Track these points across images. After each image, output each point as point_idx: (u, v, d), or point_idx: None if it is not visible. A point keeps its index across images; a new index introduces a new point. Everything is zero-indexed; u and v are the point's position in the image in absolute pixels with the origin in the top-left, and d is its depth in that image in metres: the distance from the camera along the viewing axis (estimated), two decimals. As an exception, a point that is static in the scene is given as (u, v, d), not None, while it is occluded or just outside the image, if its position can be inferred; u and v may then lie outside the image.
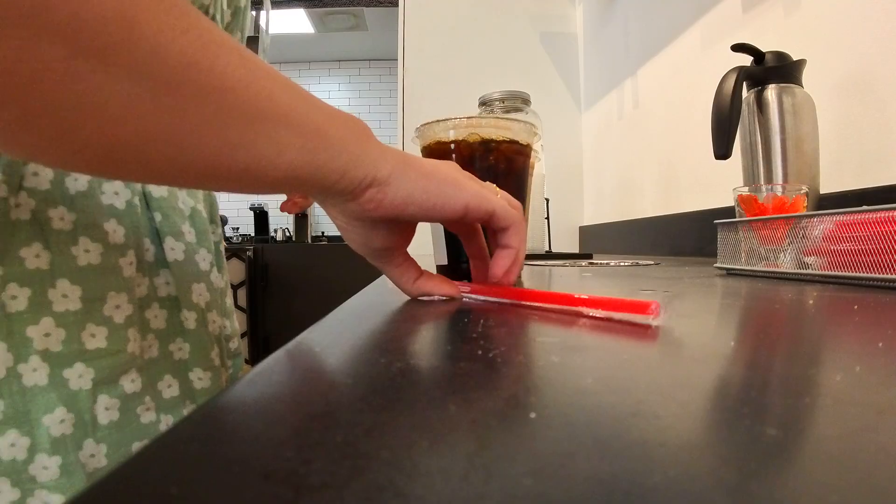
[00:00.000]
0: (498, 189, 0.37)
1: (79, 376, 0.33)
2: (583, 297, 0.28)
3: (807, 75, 0.78)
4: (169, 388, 0.40)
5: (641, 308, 0.24)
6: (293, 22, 3.60)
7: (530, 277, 0.56)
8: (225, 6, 0.48)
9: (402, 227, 0.34)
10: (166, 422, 0.39)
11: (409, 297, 0.36)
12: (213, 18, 0.46)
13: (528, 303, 0.32)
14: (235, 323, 0.53)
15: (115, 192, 0.37)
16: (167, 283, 0.40)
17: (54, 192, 0.34)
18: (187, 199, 0.44)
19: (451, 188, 0.32)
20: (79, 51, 0.18)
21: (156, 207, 0.40)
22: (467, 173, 0.35)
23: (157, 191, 0.41)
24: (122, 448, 0.36)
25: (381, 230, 0.33)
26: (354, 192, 0.29)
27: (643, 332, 0.23)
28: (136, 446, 0.37)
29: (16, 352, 0.31)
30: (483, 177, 0.44)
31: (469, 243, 0.38)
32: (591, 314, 0.27)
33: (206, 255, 0.45)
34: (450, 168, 0.34)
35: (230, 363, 0.50)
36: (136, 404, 0.37)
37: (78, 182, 0.35)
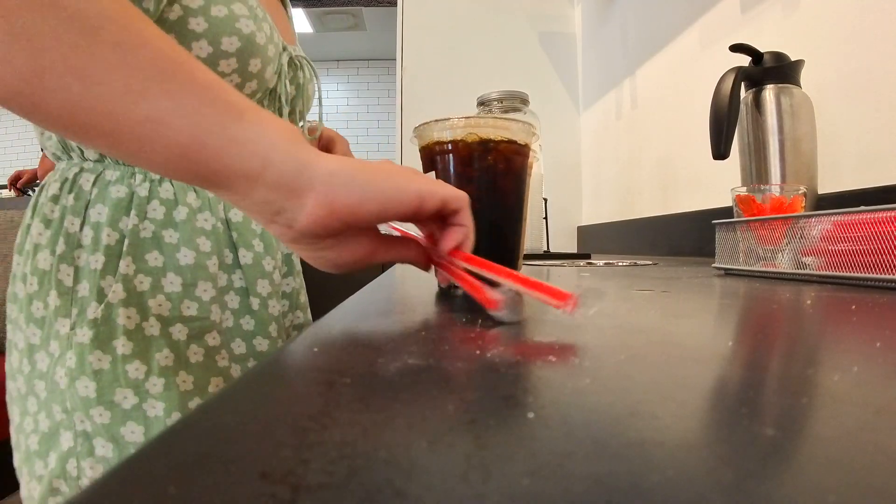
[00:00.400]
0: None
1: (178, 332, 0.52)
2: (513, 272, 0.29)
3: (805, 76, 0.78)
4: (239, 347, 0.57)
5: (559, 296, 0.25)
6: (292, 21, 3.59)
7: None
8: (288, 84, 0.61)
9: (361, 237, 0.34)
10: (235, 370, 0.56)
11: (407, 297, 0.36)
12: (277, 92, 0.61)
13: (461, 262, 0.33)
14: (309, 315, 0.74)
15: (206, 220, 0.55)
16: (240, 279, 0.58)
17: (166, 220, 0.53)
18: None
19: (401, 180, 0.32)
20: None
21: (234, 228, 0.58)
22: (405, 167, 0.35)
23: (236, 217, 0.58)
24: (205, 380, 0.52)
25: (343, 246, 0.32)
26: (271, 190, 0.28)
27: (643, 331, 0.23)
28: (215, 381, 0.53)
29: (142, 314, 0.50)
30: (482, 176, 0.44)
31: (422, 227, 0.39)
32: (510, 286, 0.27)
33: (270, 260, 0.61)
34: (390, 164, 0.33)
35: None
36: (216, 354, 0.54)
37: (179, 213, 0.53)
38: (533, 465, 0.10)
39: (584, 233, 1.95)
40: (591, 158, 1.93)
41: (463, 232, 0.35)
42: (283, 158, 0.27)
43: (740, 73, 0.75)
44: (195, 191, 0.55)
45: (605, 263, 0.84)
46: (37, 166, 2.10)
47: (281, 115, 0.63)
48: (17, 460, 0.52)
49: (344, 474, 0.09)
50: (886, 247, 0.38)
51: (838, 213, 0.44)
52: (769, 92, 0.76)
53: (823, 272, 0.45)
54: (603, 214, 1.81)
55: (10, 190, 2.33)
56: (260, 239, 0.60)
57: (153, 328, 0.50)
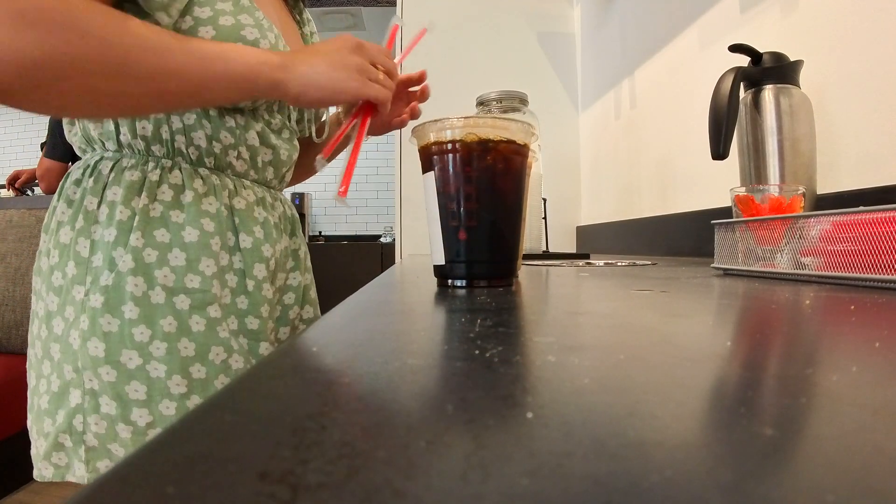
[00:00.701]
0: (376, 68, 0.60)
1: (181, 302, 0.56)
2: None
3: (804, 76, 0.78)
4: (232, 324, 0.61)
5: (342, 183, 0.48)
6: (291, 21, 3.59)
7: (526, 277, 0.56)
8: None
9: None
10: (234, 343, 0.60)
11: (406, 297, 0.36)
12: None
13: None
14: (318, 310, 0.78)
15: (210, 204, 0.59)
16: (239, 261, 0.62)
17: (173, 202, 0.57)
18: (262, 212, 0.66)
19: (343, 80, 0.56)
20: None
21: (236, 214, 0.62)
22: (351, 48, 0.57)
23: (238, 204, 0.63)
24: (205, 348, 0.57)
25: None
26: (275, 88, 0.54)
27: (642, 331, 0.23)
28: (216, 350, 0.58)
29: (149, 283, 0.54)
30: (481, 176, 0.44)
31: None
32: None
33: (269, 248, 0.66)
34: (339, 54, 0.57)
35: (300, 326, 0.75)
36: (216, 325, 0.58)
37: (186, 196, 0.58)
38: (532, 465, 0.10)
39: (583, 233, 1.95)
40: (591, 158, 1.93)
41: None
42: (268, 75, 0.53)
43: (739, 74, 0.75)
44: (201, 178, 0.60)
45: (605, 263, 0.84)
46: (35, 166, 2.10)
47: (289, 119, 0.71)
48: (30, 420, 0.58)
49: (343, 474, 0.09)
50: (885, 247, 0.38)
51: (837, 214, 0.44)
52: (768, 92, 0.76)
53: (822, 272, 0.45)
54: (602, 214, 1.81)
55: (8, 189, 2.33)
56: (261, 227, 0.65)
57: (158, 297, 0.55)
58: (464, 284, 0.45)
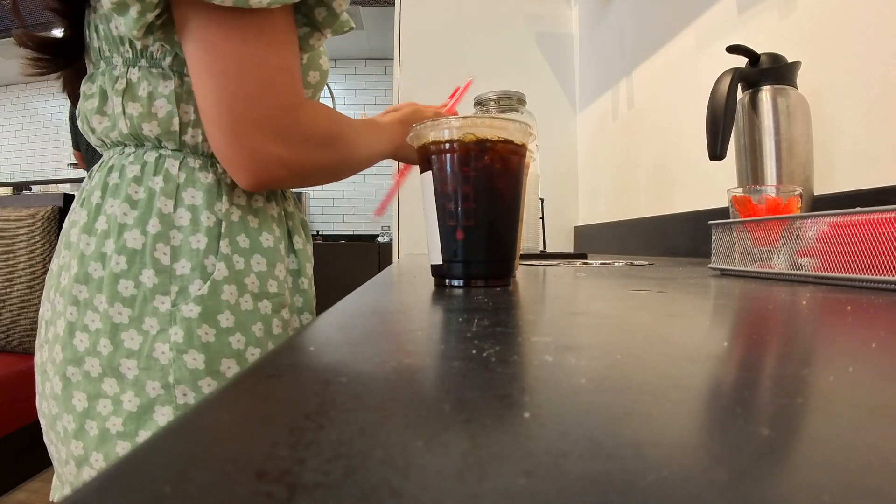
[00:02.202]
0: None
1: (265, 306, 0.57)
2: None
3: (801, 77, 0.78)
4: (295, 322, 0.63)
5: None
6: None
7: (525, 277, 0.56)
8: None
9: None
10: None
11: (403, 297, 0.36)
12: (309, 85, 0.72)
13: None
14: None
15: (272, 208, 0.62)
16: (293, 261, 0.65)
17: (247, 207, 0.59)
18: (299, 215, 0.70)
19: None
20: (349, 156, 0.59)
21: (289, 217, 0.66)
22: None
23: (290, 208, 0.66)
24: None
25: None
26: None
27: (639, 331, 0.24)
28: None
29: (239, 290, 0.55)
30: (479, 176, 0.44)
31: None
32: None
33: (309, 248, 0.69)
34: (407, 119, 0.72)
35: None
36: (287, 326, 0.60)
37: (256, 200, 0.60)
38: (529, 465, 0.10)
39: (581, 233, 1.95)
40: (588, 159, 1.93)
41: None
42: (389, 143, 0.68)
43: (737, 75, 0.75)
44: None
45: (602, 263, 0.84)
46: (29, 165, 2.10)
47: None
48: (80, 448, 0.51)
49: (340, 473, 0.09)
50: (882, 248, 0.38)
51: (834, 215, 0.44)
52: (766, 93, 0.76)
53: (819, 273, 0.45)
54: (599, 214, 1.81)
55: None
56: (303, 229, 0.70)
57: (247, 303, 0.56)
58: (461, 284, 0.45)
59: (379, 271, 0.71)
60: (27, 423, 1.59)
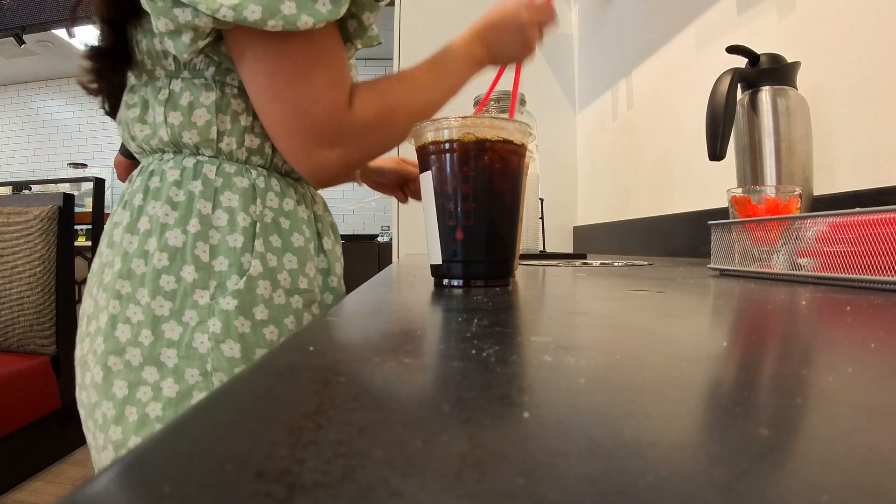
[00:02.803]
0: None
1: (296, 301, 0.61)
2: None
3: (801, 77, 0.78)
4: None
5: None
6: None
7: (524, 277, 0.56)
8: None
9: None
10: None
11: (403, 296, 0.36)
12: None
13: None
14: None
15: (303, 211, 0.65)
16: (323, 261, 0.68)
17: (279, 209, 0.62)
18: (329, 217, 0.73)
19: (521, 51, 0.77)
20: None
21: (318, 220, 0.69)
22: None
23: (318, 211, 0.70)
24: None
25: None
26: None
27: (638, 331, 0.24)
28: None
29: (273, 286, 0.58)
30: (478, 176, 0.44)
31: None
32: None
33: (339, 249, 0.72)
34: (520, 30, 0.78)
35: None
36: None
37: (287, 203, 0.62)
38: (528, 465, 0.10)
39: (580, 233, 1.95)
40: (588, 159, 1.93)
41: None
42: (468, 59, 0.70)
43: (736, 75, 0.75)
44: (293, 187, 0.66)
45: (601, 263, 0.84)
46: (28, 165, 2.10)
47: None
48: (119, 433, 0.54)
49: (339, 473, 0.09)
50: (881, 248, 0.38)
51: (834, 215, 0.44)
52: (765, 93, 0.76)
53: (818, 273, 0.45)
54: (599, 215, 1.81)
55: None
56: (331, 230, 0.73)
57: (280, 298, 0.59)
58: (460, 284, 0.45)
59: (378, 271, 0.71)
60: (27, 423, 1.60)
